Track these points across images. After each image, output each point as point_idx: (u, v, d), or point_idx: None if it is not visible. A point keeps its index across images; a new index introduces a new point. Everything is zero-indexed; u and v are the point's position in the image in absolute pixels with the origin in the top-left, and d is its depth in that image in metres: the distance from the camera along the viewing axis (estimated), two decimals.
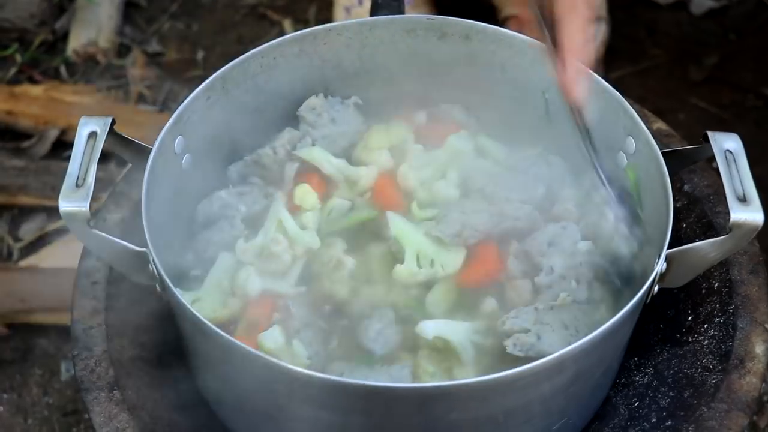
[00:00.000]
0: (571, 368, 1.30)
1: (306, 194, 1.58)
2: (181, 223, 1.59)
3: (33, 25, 3.03)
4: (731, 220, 1.31)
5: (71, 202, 1.34)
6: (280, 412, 1.35)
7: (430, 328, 1.40)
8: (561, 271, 1.45)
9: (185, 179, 1.57)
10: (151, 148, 1.45)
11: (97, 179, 1.38)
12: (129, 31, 3.11)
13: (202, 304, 1.47)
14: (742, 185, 1.35)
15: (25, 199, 2.61)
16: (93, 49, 2.97)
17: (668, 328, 1.59)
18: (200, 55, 3.07)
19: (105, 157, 1.81)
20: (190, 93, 1.54)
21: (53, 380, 2.35)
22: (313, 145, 1.65)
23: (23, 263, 2.50)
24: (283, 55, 1.63)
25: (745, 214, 1.32)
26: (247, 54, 1.59)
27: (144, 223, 1.38)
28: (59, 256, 2.49)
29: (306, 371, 1.25)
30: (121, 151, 1.49)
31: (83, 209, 1.34)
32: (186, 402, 1.54)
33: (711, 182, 1.67)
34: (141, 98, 2.92)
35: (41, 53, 3.01)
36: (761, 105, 2.81)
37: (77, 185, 1.36)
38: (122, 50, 3.05)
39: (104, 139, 1.40)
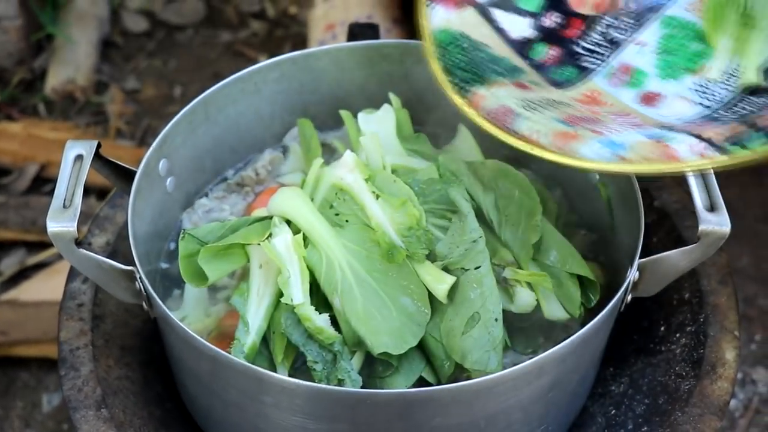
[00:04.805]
0: (549, 373, 1.34)
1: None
2: (164, 244, 1.62)
3: (11, 64, 3.07)
4: (700, 228, 1.35)
5: (59, 223, 1.37)
6: (266, 423, 1.37)
7: None
8: None
9: (169, 202, 1.61)
10: (136, 171, 1.49)
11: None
12: (107, 68, 3.16)
13: (188, 320, 1.50)
14: (709, 195, 1.40)
15: (5, 234, 2.63)
16: (71, 86, 3.01)
17: (642, 338, 1.64)
18: (177, 91, 3.11)
19: (85, 191, 1.85)
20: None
21: (35, 412, 2.37)
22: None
23: (4, 297, 2.51)
24: (263, 81, 1.67)
25: (713, 223, 1.36)
26: (228, 79, 1.64)
27: (131, 241, 1.41)
28: (39, 289, 2.51)
29: (290, 379, 1.28)
30: (106, 174, 1.52)
31: (70, 229, 1.36)
32: (172, 419, 1.57)
33: (679, 198, 1.72)
34: (119, 134, 2.96)
35: (20, 92, 3.05)
36: None
37: (64, 206, 1.39)
38: (100, 87, 3.10)
39: (90, 161, 1.44)
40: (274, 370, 1.39)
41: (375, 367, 1.42)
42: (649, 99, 1.46)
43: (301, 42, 3.23)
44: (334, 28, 2.89)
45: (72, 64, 3.06)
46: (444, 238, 1.46)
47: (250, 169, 1.70)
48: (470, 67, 1.49)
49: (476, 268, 1.41)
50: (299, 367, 1.43)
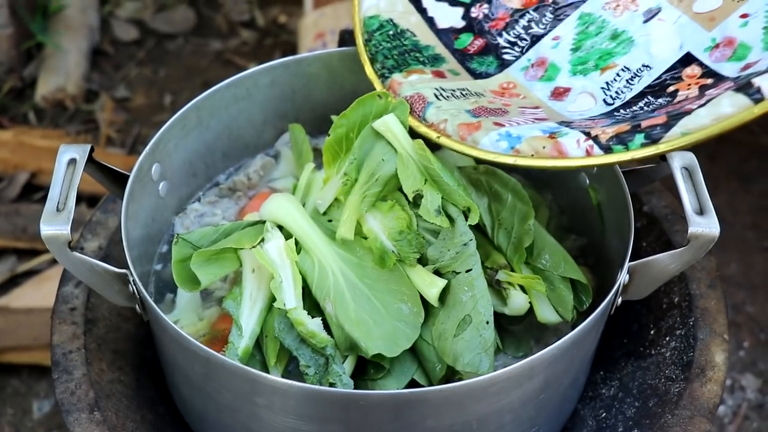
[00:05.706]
0: (540, 375, 1.35)
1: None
2: (156, 248, 1.63)
3: (1, 73, 3.07)
4: (689, 231, 1.36)
5: (52, 226, 1.37)
6: (259, 425, 1.38)
7: None
8: None
9: (162, 206, 1.61)
10: (129, 175, 1.50)
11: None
12: (97, 77, 3.16)
13: (181, 324, 1.51)
14: (698, 199, 1.40)
15: None
16: (61, 94, 3.01)
17: (632, 342, 1.65)
18: (167, 99, 3.12)
19: (76, 198, 1.86)
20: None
21: (25, 419, 2.36)
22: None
23: None
24: (255, 86, 1.68)
25: (702, 226, 1.36)
26: (220, 85, 1.65)
27: (124, 244, 1.42)
28: (30, 296, 2.51)
29: (283, 380, 1.28)
30: (99, 178, 1.52)
31: (64, 232, 1.37)
32: (165, 422, 1.57)
33: (668, 203, 1.73)
34: (110, 142, 2.97)
35: (10, 100, 3.05)
36: (715, 140, 2.89)
37: (58, 209, 1.39)
38: (90, 96, 3.10)
39: (84, 165, 1.44)
40: (267, 373, 1.40)
41: (367, 370, 1.43)
42: (559, 94, 1.50)
43: (291, 51, 3.25)
44: (324, 36, 2.91)
45: (62, 72, 3.06)
46: (435, 242, 1.47)
47: (242, 173, 1.71)
48: (393, 54, 1.54)
49: (467, 271, 1.42)
50: (292, 370, 1.44)
